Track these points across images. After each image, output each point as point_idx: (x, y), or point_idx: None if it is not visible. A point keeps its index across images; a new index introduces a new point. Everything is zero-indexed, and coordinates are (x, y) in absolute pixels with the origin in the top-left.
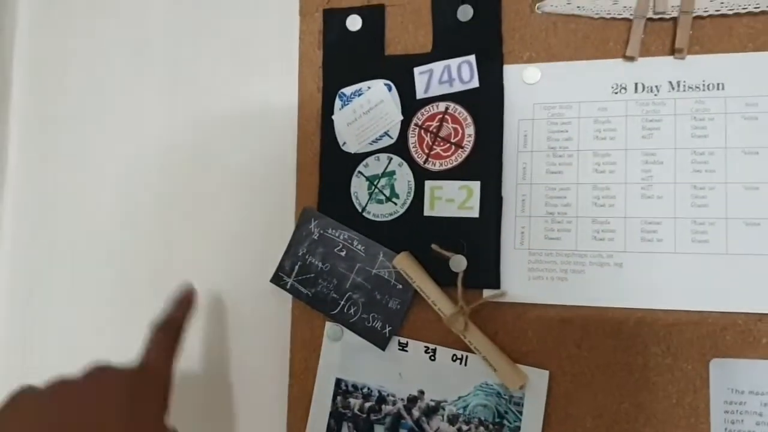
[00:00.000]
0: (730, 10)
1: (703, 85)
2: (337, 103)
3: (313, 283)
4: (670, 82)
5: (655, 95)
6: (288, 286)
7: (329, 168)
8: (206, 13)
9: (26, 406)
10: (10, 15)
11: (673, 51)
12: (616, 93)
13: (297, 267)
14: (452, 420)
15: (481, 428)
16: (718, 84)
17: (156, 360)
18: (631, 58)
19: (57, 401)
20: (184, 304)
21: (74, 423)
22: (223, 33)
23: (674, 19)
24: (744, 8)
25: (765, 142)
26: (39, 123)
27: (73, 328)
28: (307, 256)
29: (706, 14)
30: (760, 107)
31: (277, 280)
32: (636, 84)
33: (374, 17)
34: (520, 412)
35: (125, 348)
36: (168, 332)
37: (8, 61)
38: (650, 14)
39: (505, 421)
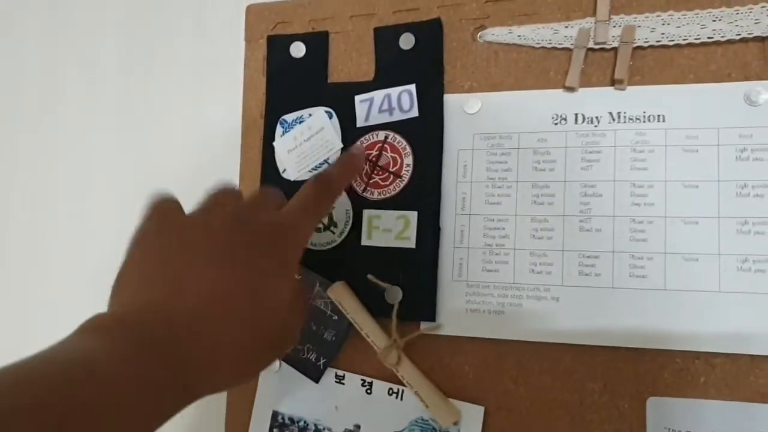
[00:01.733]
0: (671, 41)
1: (644, 116)
2: (279, 129)
3: None
4: (611, 113)
5: (595, 126)
6: None
7: None
8: (155, 38)
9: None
10: None
11: (613, 82)
12: (557, 124)
13: None
14: None
15: None
16: (658, 116)
17: (295, 217)
18: (572, 89)
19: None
20: (348, 166)
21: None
22: (170, 58)
23: (615, 50)
24: (685, 39)
25: (705, 176)
26: None
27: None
28: None
29: (647, 45)
30: (700, 140)
31: None
32: (576, 115)
33: (318, 44)
34: None
35: None
36: (319, 190)
37: None
38: (591, 44)
39: None
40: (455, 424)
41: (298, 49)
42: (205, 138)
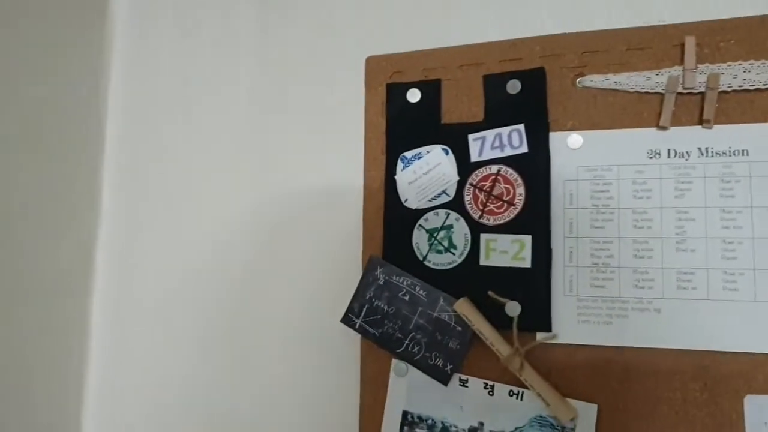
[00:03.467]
0: (752, 86)
1: (729, 151)
2: (399, 164)
3: (379, 324)
4: (699, 149)
5: (686, 160)
6: (357, 326)
7: (393, 221)
8: (284, 86)
9: None
10: (105, 74)
11: (701, 121)
12: (651, 158)
13: (365, 309)
14: None
15: None
16: (742, 150)
17: None
18: (664, 128)
19: None
20: None
21: None
22: (297, 103)
23: (702, 94)
24: (764, 85)
25: None
26: (131, 176)
27: (161, 370)
28: (373, 300)
29: (730, 89)
30: None
31: (347, 320)
32: (669, 150)
33: (431, 90)
34: None
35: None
36: None
37: (103, 115)
38: (680, 89)
39: None
40: (572, 420)
41: (413, 95)
42: (331, 173)
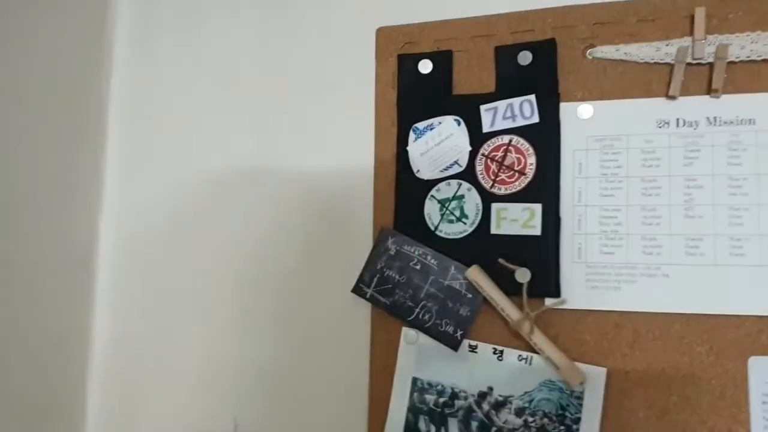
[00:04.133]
0: (759, 56)
1: (737, 120)
2: (411, 136)
3: (390, 293)
4: (708, 118)
5: (695, 129)
6: (368, 296)
7: (405, 192)
8: (291, 57)
9: None
10: (107, 63)
11: (709, 91)
12: (660, 127)
13: (376, 279)
14: (519, 413)
15: (546, 420)
16: (749, 119)
17: None
18: (673, 98)
19: None
20: None
21: None
22: (305, 75)
23: (710, 64)
24: None
25: None
26: (132, 158)
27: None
28: (384, 270)
29: (738, 60)
30: None
31: (357, 290)
32: (677, 119)
33: (443, 61)
34: (581, 405)
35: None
36: None
37: (104, 104)
38: (689, 60)
39: (567, 413)
40: (581, 384)
41: (425, 66)
42: (341, 145)
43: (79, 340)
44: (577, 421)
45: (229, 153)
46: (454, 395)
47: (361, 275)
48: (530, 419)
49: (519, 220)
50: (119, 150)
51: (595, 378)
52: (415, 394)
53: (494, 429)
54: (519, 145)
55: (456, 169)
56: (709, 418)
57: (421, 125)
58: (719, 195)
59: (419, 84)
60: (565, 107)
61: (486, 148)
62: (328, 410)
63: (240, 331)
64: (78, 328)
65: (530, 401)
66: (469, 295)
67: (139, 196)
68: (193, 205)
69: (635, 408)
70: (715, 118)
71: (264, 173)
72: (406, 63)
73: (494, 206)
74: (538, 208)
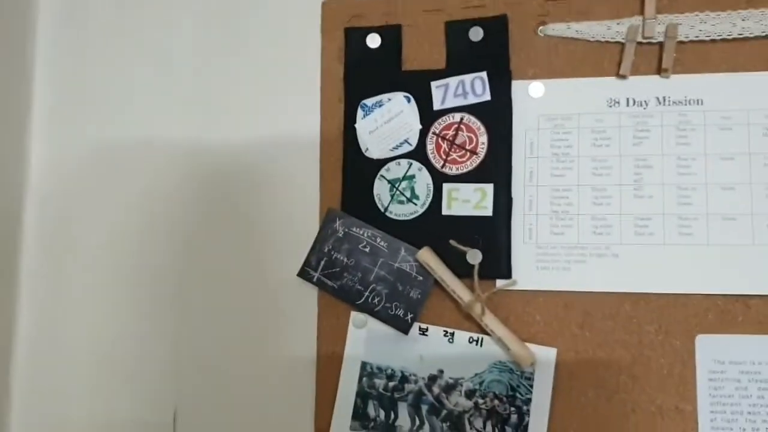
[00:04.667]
0: (708, 36)
1: (686, 100)
2: (359, 113)
3: (338, 277)
4: (657, 98)
5: (644, 109)
6: (314, 280)
7: (353, 172)
8: (231, 31)
9: None
10: (31, 19)
11: (659, 71)
12: (611, 106)
13: (323, 262)
14: (469, 395)
15: (496, 401)
16: (698, 99)
17: None
18: (623, 77)
19: None
20: None
21: None
22: (247, 50)
23: (660, 44)
24: (719, 35)
25: (738, 150)
26: (59, 122)
27: (95, 327)
28: (332, 252)
29: (687, 40)
30: (733, 120)
31: (303, 274)
32: (627, 99)
33: (392, 36)
34: (531, 386)
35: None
36: None
37: (30, 65)
38: (640, 39)
39: (518, 394)
40: (532, 364)
41: (373, 40)
42: (285, 122)
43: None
44: (528, 401)
45: (166, 127)
46: (404, 379)
47: (308, 258)
48: (481, 401)
49: (471, 200)
50: (46, 119)
51: (545, 359)
52: (364, 379)
53: (444, 412)
54: (470, 124)
55: (406, 148)
56: (657, 397)
57: (369, 102)
58: (668, 175)
59: (367, 59)
60: (516, 85)
61: (437, 127)
62: (274, 397)
63: (181, 317)
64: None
65: (481, 383)
66: (420, 278)
67: (66, 166)
68: (125, 182)
69: (585, 388)
70: (664, 97)
71: (205, 151)
72: (354, 37)
73: (445, 186)
74: (489, 188)
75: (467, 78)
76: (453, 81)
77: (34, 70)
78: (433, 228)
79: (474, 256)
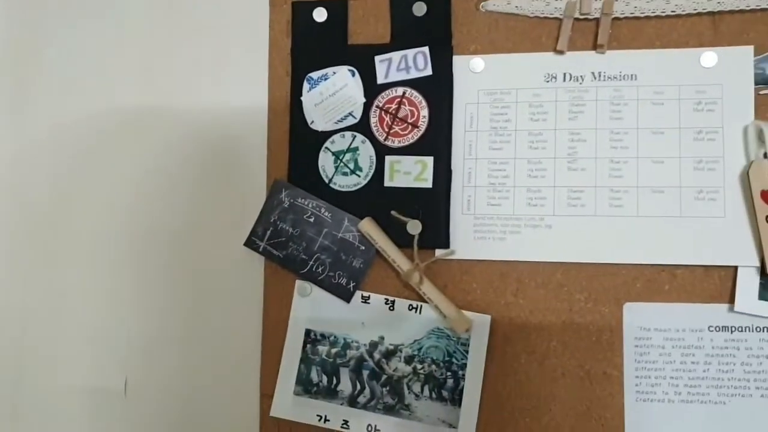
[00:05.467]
0: (642, 13)
1: (620, 75)
2: (305, 86)
3: (284, 246)
4: (593, 73)
5: (580, 84)
6: (260, 249)
7: (298, 144)
8: (180, 2)
9: None
10: None
11: (595, 47)
12: (548, 81)
13: (269, 232)
14: (408, 360)
15: (434, 366)
16: (631, 75)
17: None
18: (561, 52)
19: None
20: None
21: None
22: (195, 21)
23: (597, 20)
24: (653, 12)
25: (669, 124)
26: (10, 98)
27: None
28: (278, 223)
29: (622, 16)
30: (665, 95)
31: (250, 243)
32: (564, 74)
33: (338, 10)
34: (467, 352)
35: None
36: None
37: None
38: (577, 15)
39: (454, 359)
40: (467, 330)
41: (320, 14)
42: (233, 94)
43: None
44: (463, 367)
45: (114, 96)
46: (347, 345)
47: (254, 228)
48: (419, 366)
49: (412, 173)
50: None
51: (480, 325)
52: (308, 346)
53: (384, 377)
54: (412, 98)
55: (350, 121)
56: (586, 362)
57: (315, 75)
58: (601, 148)
59: (314, 33)
60: (457, 60)
61: (380, 100)
62: (221, 364)
63: (128, 287)
64: None
65: (419, 349)
66: (362, 248)
67: (19, 141)
68: (76, 153)
69: (518, 353)
70: (599, 73)
71: (152, 121)
72: (301, 10)
73: (388, 159)
74: (430, 161)
75: (410, 53)
76: (396, 55)
77: None
78: (376, 199)
79: (414, 227)
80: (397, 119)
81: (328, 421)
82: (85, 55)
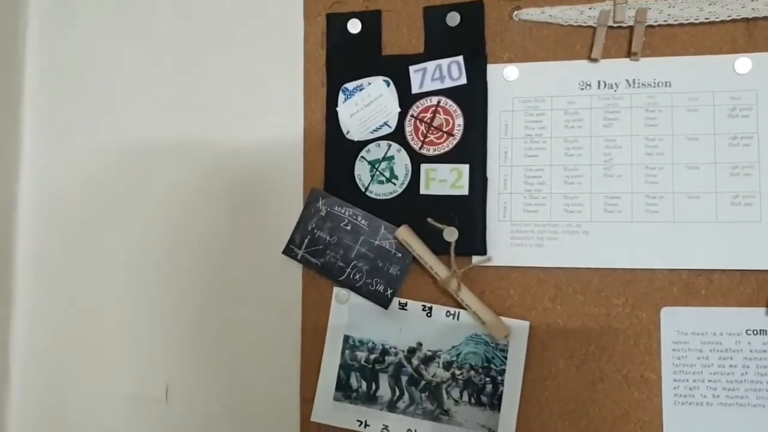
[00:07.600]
0: (675, 20)
1: (654, 82)
2: (341, 96)
3: (321, 254)
4: (627, 80)
5: (615, 91)
6: (299, 257)
7: (335, 153)
8: (215, 17)
9: None
10: (22, 20)
11: (629, 54)
12: (582, 89)
13: (306, 240)
14: (446, 366)
15: (472, 372)
16: (666, 82)
17: None
18: (595, 60)
19: None
20: None
21: None
22: (231, 36)
23: (630, 28)
24: (686, 20)
25: (704, 130)
26: (50, 123)
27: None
28: (315, 231)
29: (656, 24)
30: (699, 101)
31: (288, 252)
32: (599, 82)
33: (372, 21)
34: (505, 357)
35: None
36: None
37: (21, 65)
38: (611, 23)
39: (492, 365)
40: (506, 337)
41: (354, 25)
42: (270, 106)
43: None
44: (502, 372)
45: (154, 113)
46: (385, 351)
47: (292, 237)
48: (457, 372)
49: (447, 180)
50: (36, 118)
51: (518, 331)
52: (347, 352)
53: (423, 382)
54: (447, 107)
55: (386, 131)
56: (624, 366)
57: (350, 86)
58: (636, 155)
59: (348, 44)
60: (491, 69)
61: (415, 110)
62: (261, 371)
63: (171, 297)
64: None
65: (457, 355)
66: (399, 255)
67: (57, 165)
68: (116, 172)
69: (556, 358)
70: (634, 80)
71: (191, 135)
72: (335, 22)
73: (423, 167)
74: (465, 168)
75: (444, 62)
76: (430, 65)
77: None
78: (412, 207)
79: (450, 234)
80: (432, 128)
81: (369, 425)
82: (122, 79)
